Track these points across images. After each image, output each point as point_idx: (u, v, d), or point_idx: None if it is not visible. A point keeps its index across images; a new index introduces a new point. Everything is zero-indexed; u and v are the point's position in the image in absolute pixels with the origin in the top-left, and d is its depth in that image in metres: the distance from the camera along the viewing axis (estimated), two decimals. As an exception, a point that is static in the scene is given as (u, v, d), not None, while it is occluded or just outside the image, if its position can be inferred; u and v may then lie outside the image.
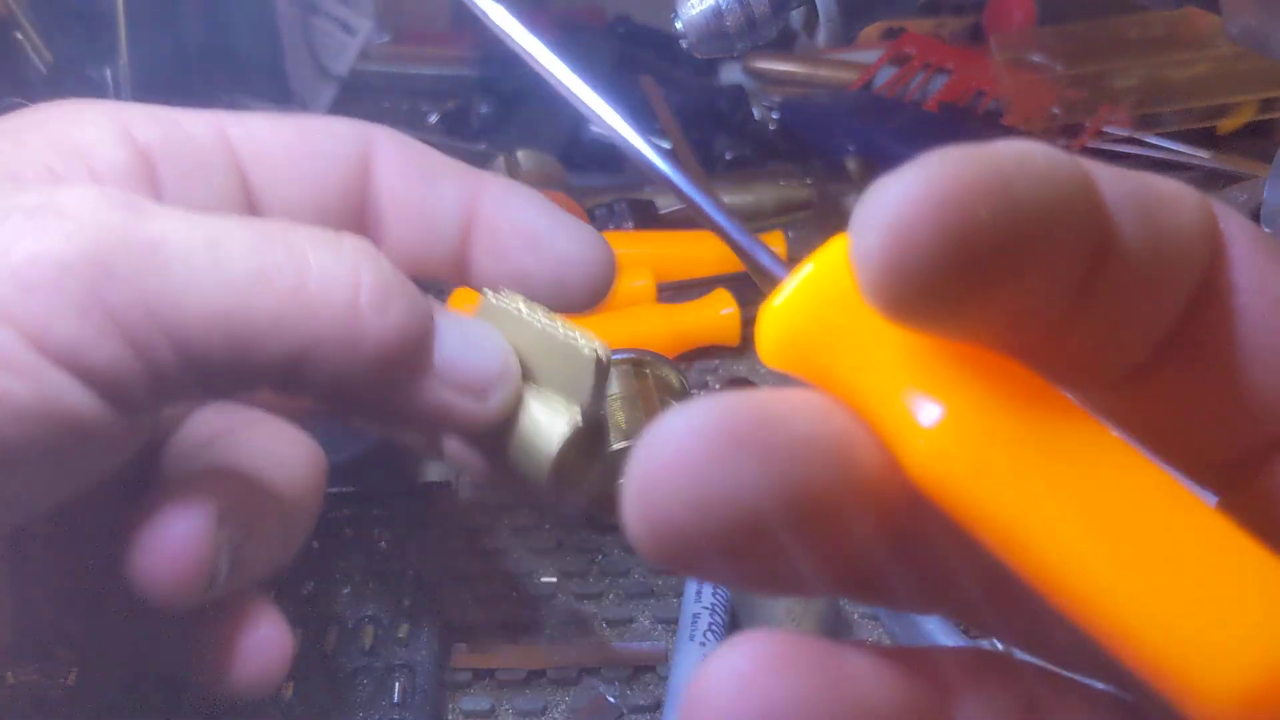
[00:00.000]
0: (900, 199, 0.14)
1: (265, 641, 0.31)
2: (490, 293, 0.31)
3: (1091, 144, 0.74)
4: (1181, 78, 0.76)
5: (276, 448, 0.33)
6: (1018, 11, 0.87)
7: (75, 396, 0.24)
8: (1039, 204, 0.14)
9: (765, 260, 0.19)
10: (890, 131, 0.74)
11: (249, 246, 0.26)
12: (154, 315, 0.24)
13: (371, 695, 0.39)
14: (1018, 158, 0.14)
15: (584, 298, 0.32)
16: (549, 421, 0.30)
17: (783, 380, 0.16)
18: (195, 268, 0.25)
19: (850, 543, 0.16)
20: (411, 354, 0.28)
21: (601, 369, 0.30)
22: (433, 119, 0.83)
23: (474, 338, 0.29)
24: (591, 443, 0.32)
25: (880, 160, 0.70)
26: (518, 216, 0.32)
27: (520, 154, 0.66)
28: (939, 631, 0.40)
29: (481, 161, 0.67)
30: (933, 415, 0.15)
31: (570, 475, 0.31)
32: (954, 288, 0.14)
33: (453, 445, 0.33)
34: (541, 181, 0.63)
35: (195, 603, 0.29)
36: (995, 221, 0.14)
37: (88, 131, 0.29)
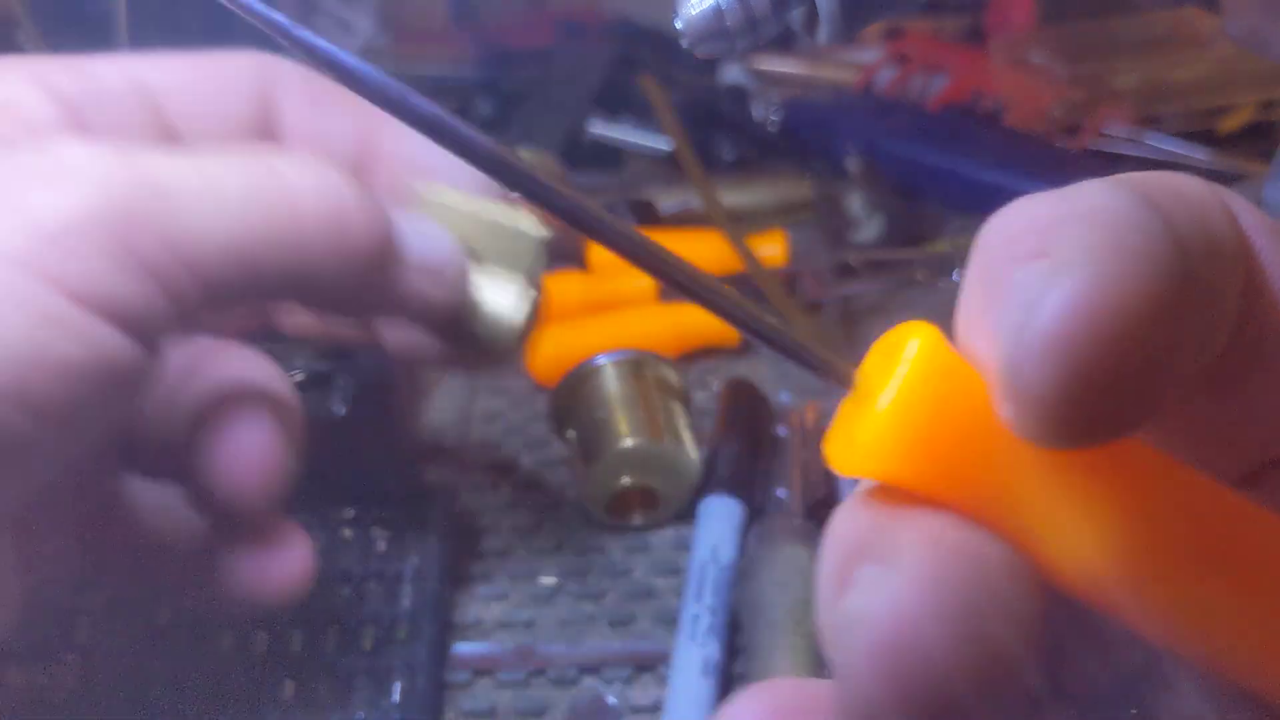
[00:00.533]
0: (1059, 306, 0.12)
1: (294, 552, 0.34)
2: (425, 185, 0.34)
3: (1091, 144, 0.74)
4: (1181, 78, 0.76)
5: (254, 366, 0.34)
6: (1018, 11, 0.87)
7: (115, 342, 0.26)
8: (1211, 269, 0.13)
9: (810, 355, 0.18)
10: (890, 131, 0.74)
11: (235, 173, 0.28)
12: (174, 250, 0.26)
13: (371, 695, 0.39)
14: (1183, 207, 0.12)
15: None
16: (509, 294, 0.34)
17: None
18: (198, 200, 0.27)
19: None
20: (389, 250, 0.30)
21: (542, 244, 0.34)
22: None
23: (426, 230, 0.32)
24: (534, 310, 0.35)
25: (880, 160, 0.70)
26: (403, 142, 0.35)
27: (520, 154, 0.66)
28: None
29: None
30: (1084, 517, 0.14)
31: (525, 335, 0.35)
32: (1140, 402, 0.12)
33: (406, 341, 0.36)
34: (541, 181, 0.63)
35: (272, 507, 0.32)
36: (1173, 308, 0.12)
37: (10, 90, 0.30)
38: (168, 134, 0.33)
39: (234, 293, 0.28)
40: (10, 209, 0.25)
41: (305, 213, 0.28)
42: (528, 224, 0.34)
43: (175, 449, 0.34)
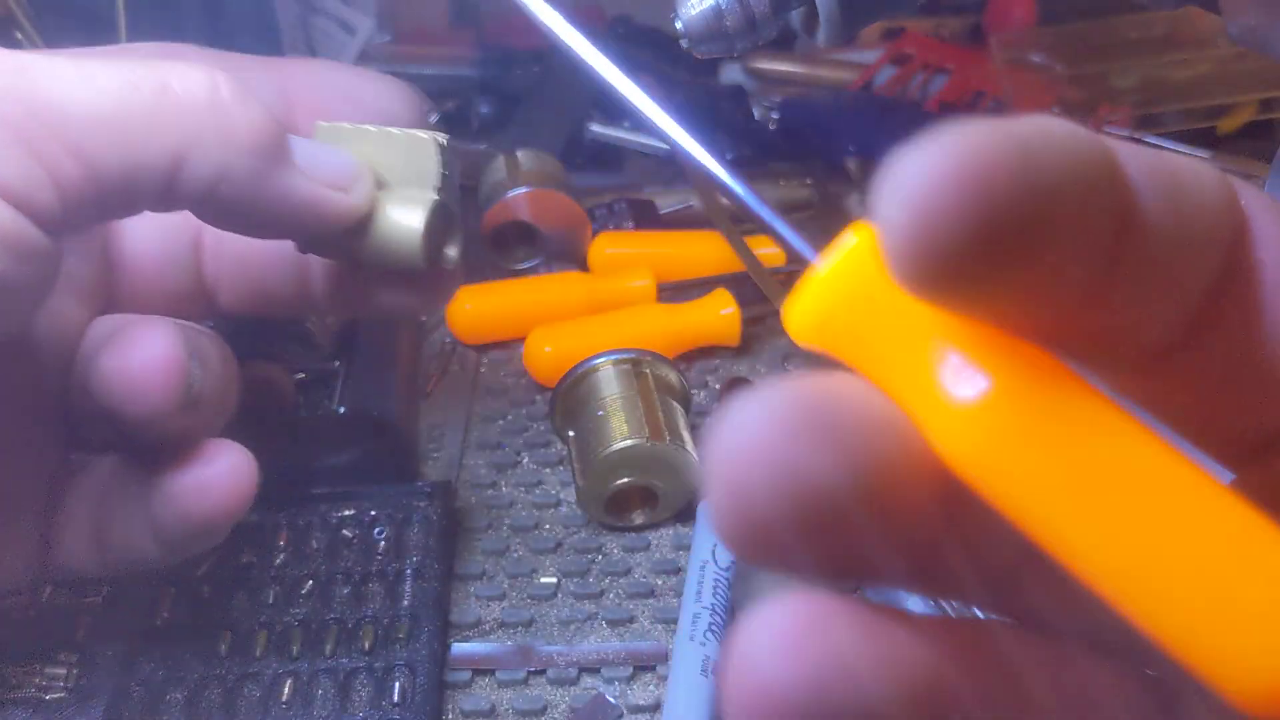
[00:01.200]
0: (922, 172, 0.14)
1: (228, 469, 0.33)
2: (322, 122, 0.34)
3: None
4: (1181, 78, 0.76)
5: (174, 330, 0.34)
6: (1018, 11, 0.87)
7: (14, 221, 0.26)
8: (1062, 177, 0.14)
9: (794, 241, 0.20)
10: (890, 131, 0.74)
11: (108, 63, 0.28)
12: (47, 126, 0.26)
13: (371, 695, 0.39)
14: (1040, 131, 0.14)
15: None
16: (409, 206, 0.33)
17: (795, 364, 0.16)
18: (69, 81, 0.27)
19: (917, 526, 0.16)
20: (277, 144, 0.30)
21: (444, 150, 0.34)
22: (433, 119, 0.83)
23: (320, 148, 0.32)
24: (446, 221, 0.35)
25: (880, 160, 0.70)
26: (331, 83, 0.36)
27: (520, 154, 0.66)
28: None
29: (482, 162, 0.67)
30: (964, 393, 0.15)
31: (434, 250, 0.35)
32: (979, 263, 0.14)
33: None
34: (541, 181, 0.63)
35: (175, 417, 0.31)
36: (1018, 194, 0.14)
37: None
38: None
39: (119, 179, 0.28)
40: None
41: (181, 97, 0.28)
42: (431, 133, 0.34)
43: (96, 409, 0.33)
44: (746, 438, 0.15)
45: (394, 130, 0.34)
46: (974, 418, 0.15)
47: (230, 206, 0.30)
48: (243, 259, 0.38)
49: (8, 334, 0.29)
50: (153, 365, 0.31)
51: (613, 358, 0.49)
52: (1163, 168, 0.16)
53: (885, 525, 0.16)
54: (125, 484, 0.34)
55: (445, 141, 0.34)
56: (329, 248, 0.35)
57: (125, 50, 0.35)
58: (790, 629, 0.15)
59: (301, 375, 0.50)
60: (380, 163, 0.34)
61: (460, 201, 0.36)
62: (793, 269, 0.63)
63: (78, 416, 0.35)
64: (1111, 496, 0.15)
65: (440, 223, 0.34)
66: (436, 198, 0.34)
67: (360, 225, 0.33)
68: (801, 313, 0.17)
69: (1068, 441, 0.15)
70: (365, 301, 0.37)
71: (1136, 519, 0.15)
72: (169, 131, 0.28)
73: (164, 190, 0.29)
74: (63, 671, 0.39)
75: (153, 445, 0.33)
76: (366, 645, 0.40)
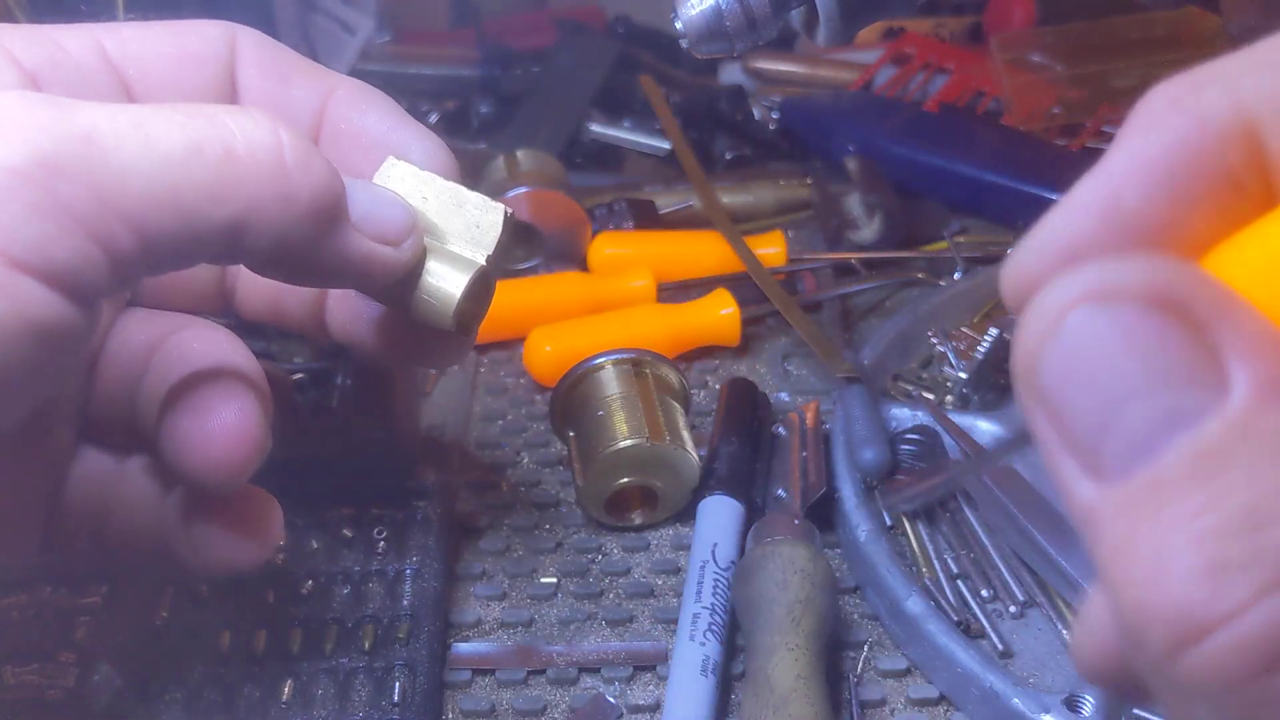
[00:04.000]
0: None
1: (265, 520, 0.34)
2: (393, 159, 0.34)
3: (1091, 144, 0.74)
4: (1181, 78, 0.76)
5: (222, 340, 0.34)
6: (1018, 11, 0.87)
7: (45, 302, 0.24)
8: None
9: None
10: (890, 131, 0.74)
11: (173, 124, 0.26)
12: (106, 203, 0.25)
13: (371, 695, 0.39)
14: None
15: None
16: (454, 268, 0.33)
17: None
18: (132, 150, 0.25)
19: None
20: (336, 206, 0.30)
21: (510, 222, 0.34)
22: (433, 119, 0.83)
23: (379, 194, 0.32)
24: (484, 289, 0.35)
25: (880, 160, 0.70)
26: (360, 119, 0.35)
27: (520, 154, 0.66)
28: (938, 632, 0.40)
29: (482, 162, 0.67)
30: None
31: (466, 316, 0.35)
32: None
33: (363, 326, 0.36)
34: (541, 181, 0.63)
35: (245, 480, 0.32)
36: None
37: None
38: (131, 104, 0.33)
39: (175, 247, 0.27)
40: None
41: (247, 162, 0.27)
42: (486, 201, 0.33)
43: (140, 424, 0.33)
44: None
45: (466, 190, 0.34)
46: None
47: (280, 264, 0.30)
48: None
49: (32, 405, 0.28)
50: (233, 438, 0.31)
51: (613, 358, 0.49)
52: None
53: None
54: (131, 475, 0.35)
55: (512, 214, 0.34)
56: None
57: (188, 32, 0.34)
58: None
59: (301, 375, 0.50)
60: (437, 214, 0.34)
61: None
62: (792, 270, 0.63)
63: (100, 416, 0.35)
64: None
65: (479, 289, 0.34)
66: (483, 264, 0.34)
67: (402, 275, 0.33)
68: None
69: None
70: (378, 344, 0.37)
71: None
72: (231, 200, 0.27)
73: (219, 254, 0.28)
74: (62, 671, 0.39)
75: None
76: (366, 645, 0.40)
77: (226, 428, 0.31)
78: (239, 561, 0.35)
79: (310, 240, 0.29)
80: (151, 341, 0.34)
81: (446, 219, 0.34)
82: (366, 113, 0.35)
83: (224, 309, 0.39)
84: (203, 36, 0.34)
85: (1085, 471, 0.16)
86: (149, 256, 0.26)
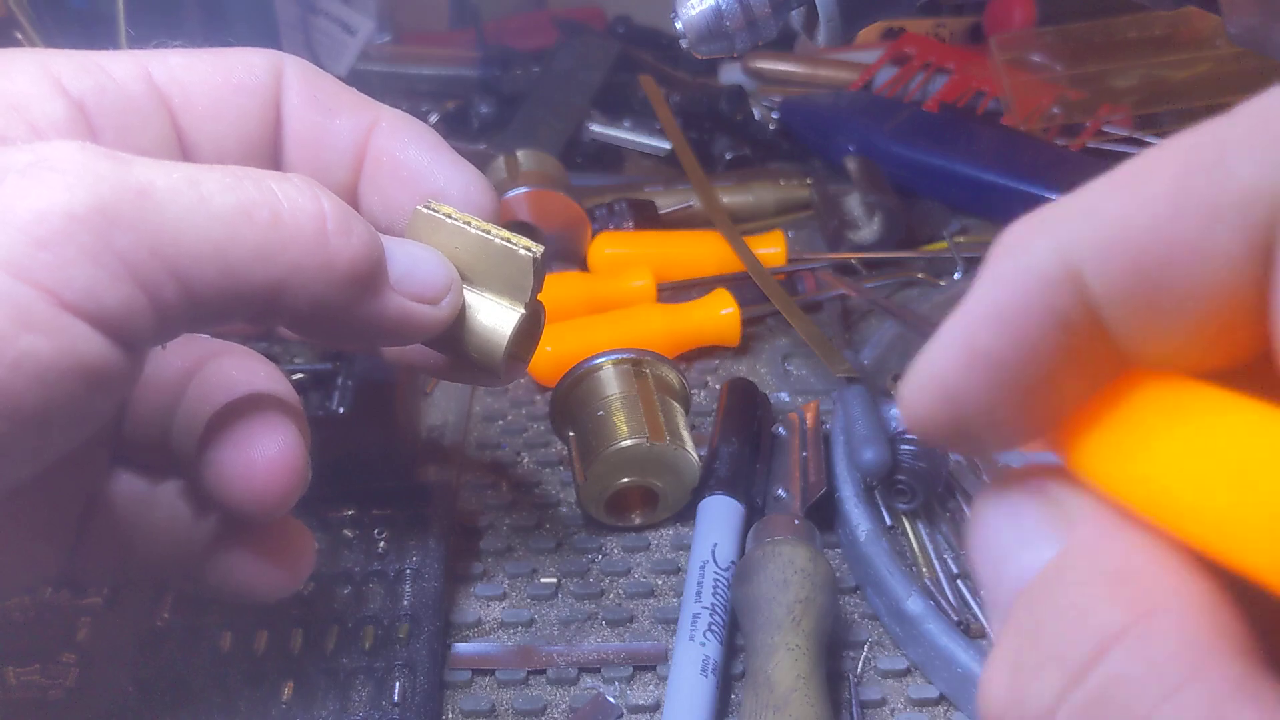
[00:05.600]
0: None
1: (299, 550, 0.34)
2: (423, 206, 0.34)
3: (1092, 144, 0.74)
4: (1181, 78, 0.76)
5: (260, 367, 0.35)
6: (1018, 11, 0.87)
7: (94, 345, 0.25)
8: None
9: None
10: (890, 131, 0.74)
11: (225, 185, 0.27)
12: (158, 254, 0.26)
13: (371, 695, 0.39)
14: None
15: None
16: (497, 317, 0.34)
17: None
18: (186, 206, 0.26)
19: None
20: (374, 270, 0.30)
21: (538, 267, 0.34)
22: (433, 119, 0.83)
23: (418, 254, 0.32)
24: (533, 327, 0.36)
25: (880, 160, 0.70)
26: (401, 152, 0.35)
27: (520, 154, 0.66)
28: (938, 632, 0.40)
29: (482, 161, 0.67)
30: None
31: (516, 357, 0.36)
32: None
33: (410, 351, 0.37)
34: (541, 181, 0.63)
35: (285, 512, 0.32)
36: None
37: (19, 84, 0.30)
38: (176, 133, 0.33)
39: (218, 304, 0.27)
40: None
41: (290, 229, 0.28)
42: (522, 244, 0.33)
43: (175, 449, 0.34)
44: None
45: (493, 237, 0.34)
46: None
47: (318, 325, 0.31)
48: None
49: (74, 444, 0.28)
50: (277, 469, 0.31)
51: (613, 358, 0.49)
52: None
53: None
54: (163, 499, 0.34)
55: (540, 255, 0.34)
56: None
57: (235, 61, 0.34)
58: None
59: (301, 375, 0.50)
60: (471, 262, 0.34)
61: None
62: (792, 270, 0.63)
63: (135, 438, 0.35)
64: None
65: (525, 330, 0.35)
66: (524, 312, 0.34)
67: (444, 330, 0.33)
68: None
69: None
70: (432, 366, 0.38)
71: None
72: (274, 264, 0.28)
73: (258, 313, 0.29)
74: (63, 671, 0.40)
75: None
76: (366, 645, 0.40)
77: (270, 459, 0.32)
78: (268, 591, 0.35)
79: (347, 303, 0.30)
80: (189, 367, 0.34)
81: (484, 266, 0.34)
82: (408, 146, 0.35)
83: (265, 330, 0.39)
84: (249, 65, 0.34)
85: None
86: (192, 309, 0.27)
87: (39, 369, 0.24)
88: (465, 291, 0.34)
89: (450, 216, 0.34)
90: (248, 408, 0.33)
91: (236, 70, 0.34)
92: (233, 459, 0.32)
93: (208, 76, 0.33)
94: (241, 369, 0.34)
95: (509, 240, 0.33)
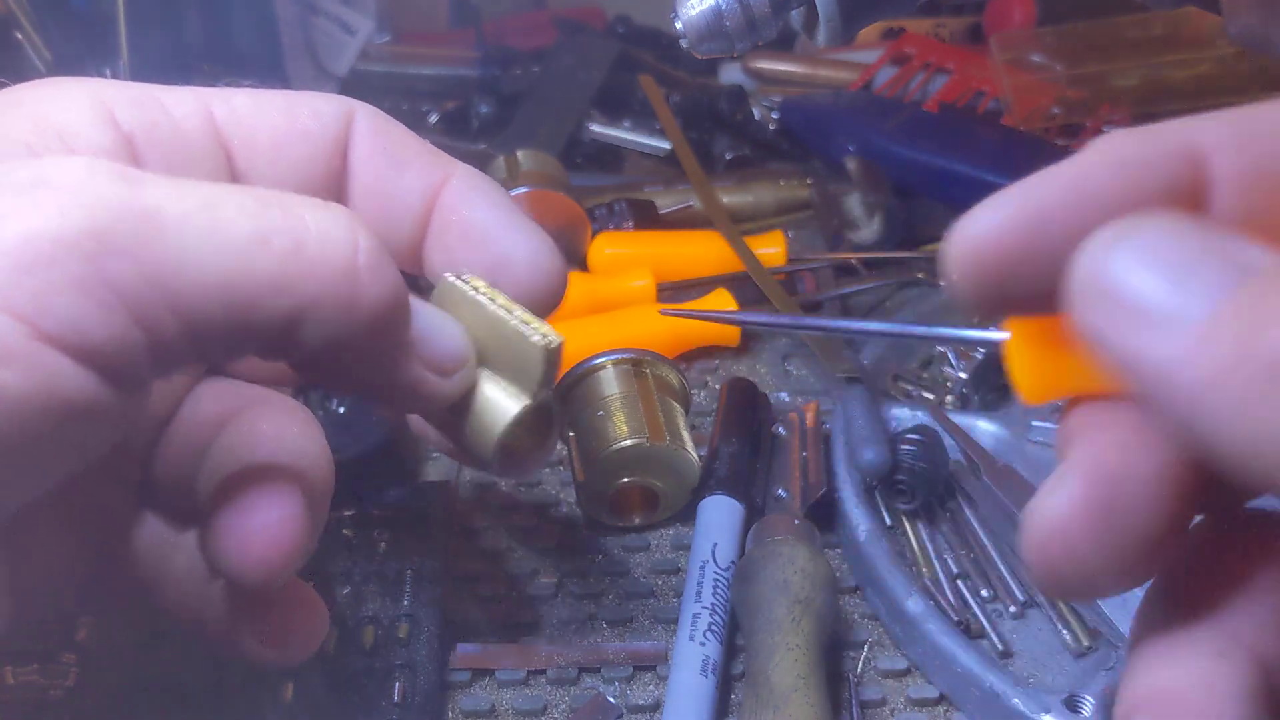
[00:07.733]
0: None
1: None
2: (451, 275, 0.32)
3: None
4: (1181, 78, 0.76)
5: (293, 425, 0.33)
6: (1018, 11, 0.87)
7: (74, 380, 0.23)
8: None
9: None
10: (890, 131, 0.74)
11: (245, 210, 0.25)
12: (155, 285, 0.24)
13: (371, 695, 0.39)
14: None
15: (523, 299, 0.32)
16: (498, 405, 0.31)
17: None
18: (194, 233, 0.24)
19: None
20: (397, 320, 0.28)
21: (550, 358, 0.31)
22: (433, 119, 0.83)
23: (439, 321, 0.30)
24: (541, 422, 0.34)
25: (880, 160, 0.70)
26: (469, 212, 0.33)
27: (520, 154, 0.66)
28: (938, 632, 0.40)
29: (482, 162, 0.67)
30: None
31: (518, 451, 0.33)
32: None
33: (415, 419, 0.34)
34: (541, 181, 0.63)
35: (285, 580, 0.30)
36: None
37: (68, 113, 0.29)
38: (234, 174, 0.31)
39: (223, 338, 0.25)
40: None
41: (313, 260, 0.26)
42: (541, 335, 0.31)
43: (198, 500, 0.32)
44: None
45: (509, 318, 0.31)
46: None
47: (329, 368, 0.29)
48: None
49: (58, 479, 0.26)
50: (270, 541, 0.29)
51: (613, 358, 0.49)
52: None
53: None
54: (186, 549, 0.33)
55: (556, 345, 0.31)
56: None
57: (303, 106, 0.32)
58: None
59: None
60: (485, 341, 0.32)
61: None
62: (792, 270, 0.63)
63: (163, 483, 0.33)
64: None
65: (529, 424, 0.32)
66: (527, 403, 0.31)
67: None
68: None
69: None
70: (432, 440, 0.36)
71: None
72: (289, 294, 0.26)
73: (269, 348, 0.27)
74: (63, 671, 0.39)
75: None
76: (366, 645, 0.40)
77: (266, 530, 0.30)
78: (274, 659, 0.33)
79: (363, 349, 0.28)
80: (222, 415, 0.33)
81: (496, 347, 0.32)
82: (477, 206, 0.33)
83: (292, 378, 0.37)
84: (316, 112, 0.33)
85: (1161, 331, 0.18)
86: (194, 344, 0.25)
87: (8, 403, 0.22)
88: (481, 372, 0.32)
89: (477, 290, 0.32)
90: (258, 473, 0.31)
91: (302, 116, 0.32)
92: (230, 524, 0.30)
93: (272, 119, 0.32)
94: (273, 424, 0.32)
95: (526, 324, 0.31)
